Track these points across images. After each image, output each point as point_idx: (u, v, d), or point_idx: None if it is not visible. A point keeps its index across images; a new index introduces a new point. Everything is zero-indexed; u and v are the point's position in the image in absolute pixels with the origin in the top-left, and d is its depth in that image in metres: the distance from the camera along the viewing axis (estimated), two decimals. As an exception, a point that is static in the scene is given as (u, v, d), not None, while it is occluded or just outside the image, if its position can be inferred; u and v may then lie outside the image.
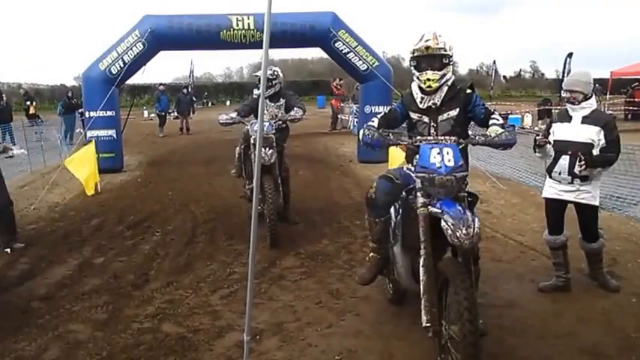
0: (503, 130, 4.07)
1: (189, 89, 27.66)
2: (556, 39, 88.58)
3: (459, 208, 3.76)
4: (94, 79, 13.03)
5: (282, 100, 7.93)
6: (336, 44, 13.31)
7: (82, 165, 10.53)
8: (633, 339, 4.45)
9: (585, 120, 5.13)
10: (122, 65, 12.86)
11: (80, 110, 17.80)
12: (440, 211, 3.77)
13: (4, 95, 22.48)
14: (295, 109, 7.71)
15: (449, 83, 4.44)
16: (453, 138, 4.05)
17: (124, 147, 14.41)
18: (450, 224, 3.63)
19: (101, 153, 12.05)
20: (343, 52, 13.39)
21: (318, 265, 6.49)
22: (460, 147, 4.06)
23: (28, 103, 26.55)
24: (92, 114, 12.87)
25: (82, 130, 16.04)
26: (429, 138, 4.15)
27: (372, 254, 4.80)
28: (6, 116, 19.80)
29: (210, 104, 48.77)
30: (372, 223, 4.66)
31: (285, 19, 12.76)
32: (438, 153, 3.87)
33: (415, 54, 4.39)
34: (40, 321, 5.03)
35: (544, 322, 4.81)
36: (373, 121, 4.70)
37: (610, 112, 22.00)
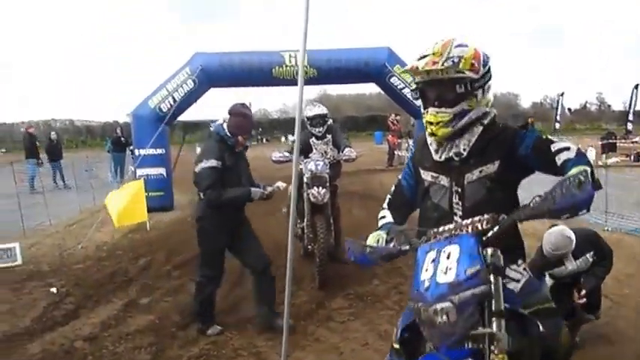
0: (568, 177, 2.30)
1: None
2: (624, 70, 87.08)
3: None
4: (144, 117, 13.47)
5: (329, 136, 8.06)
6: (391, 80, 13.49)
7: (121, 200, 10.69)
8: None
9: None
10: (172, 103, 13.27)
11: (131, 147, 18.35)
12: None
13: (54, 132, 23.40)
14: (349, 149, 7.79)
15: (483, 121, 2.98)
16: (479, 220, 2.56)
17: (175, 185, 14.75)
18: None
19: (150, 191, 12.34)
20: (398, 87, 13.57)
21: (367, 306, 6.52)
22: (488, 237, 2.51)
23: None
24: (142, 152, 13.26)
25: (132, 168, 16.53)
26: (441, 230, 2.66)
27: None
28: (57, 153, 20.57)
29: (264, 140, 49.48)
30: None
31: (340, 55, 13.01)
32: (433, 260, 2.49)
33: (416, 79, 2.97)
34: (82, 362, 5.19)
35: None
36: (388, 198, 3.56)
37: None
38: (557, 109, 37.24)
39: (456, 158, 2.94)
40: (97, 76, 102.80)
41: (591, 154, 22.22)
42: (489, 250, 2.46)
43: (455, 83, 2.84)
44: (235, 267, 8.33)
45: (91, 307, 6.76)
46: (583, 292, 4.86)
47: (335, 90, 59.99)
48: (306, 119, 7.89)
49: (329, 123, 8.10)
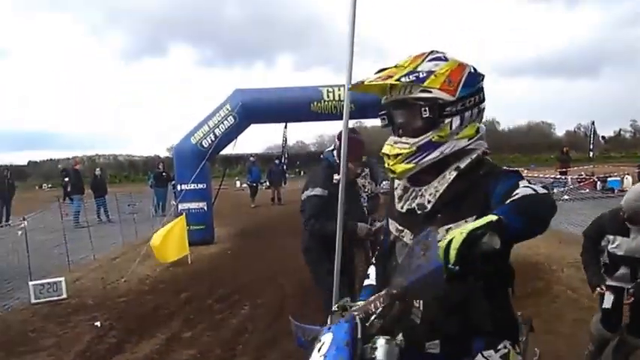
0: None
1: (282, 159, 28.32)
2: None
3: None
4: (186, 153, 13.64)
5: (367, 170, 8.01)
6: (424, 110, 13.37)
7: (165, 236, 10.81)
8: None
9: None
10: (213, 139, 13.43)
11: (173, 182, 18.58)
12: None
13: (99, 168, 23.84)
14: (385, 181, 7.74)
15: (460, 165, 2.26)
16: (377, 297, 1.94)
17: (215, 218, 14.86)
18: None
19: (192, 225, 12.50)
20: (432, 119, 13.42)
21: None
22: (372, 321, 1.93)
23: (67, 179, 26.47)
24: (184, 187, 13.41)
25: (174, 202, 16.73)
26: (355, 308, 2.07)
27: None
28: (101, 189, 20.94)
29: (302, 173, 49.63)
30: None
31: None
32: (318, 350, 1.86)
33: (382, 100, 2.39)
34: (127, 396, 5.21)
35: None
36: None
37: None
38: (590, 137, 36.87)
39: (419, 211, 2.29)
40: (140, 110, 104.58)
41: (628, 182, 21.87)
42: (380, 340, 1.87)
43: (421, 106, 2.18)
44: (275, 299, 8.36)
45: (135, 342, 6.79)
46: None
47: (370, 122, 60.08)
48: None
49: (364, 158, 8.03)
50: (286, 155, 39.80)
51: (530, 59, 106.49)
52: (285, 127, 41.40)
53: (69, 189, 19.99)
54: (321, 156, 5.59)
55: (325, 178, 5.25)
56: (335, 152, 5.28)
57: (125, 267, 10.90)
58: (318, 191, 5.22)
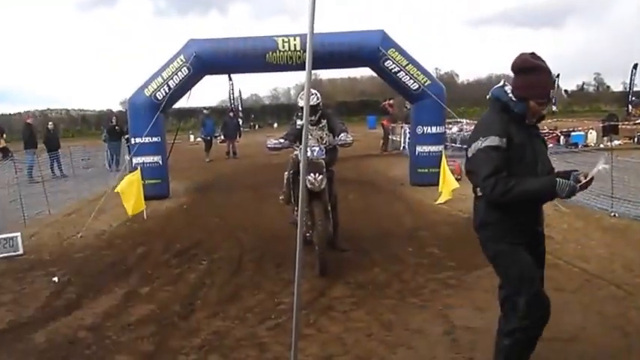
0: None
1: (236, 112, 28.06)
2: (623, 48, 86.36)
3: None
4: (140, 105, 13.37)
5: (324, 121, 7.95)
6: (385, 63, 13.30)
7: (129, 191, 10.72)
8: None
9: None
10: (167, 90, 13.18)
11: (127, 136, 18.29)
12: None
13: (51, 122, 23.29)
14: (344, 133, 7.67)
15: None
16: None
17: (170, 173, 14.69)
18: None
19: (147, 179, 12.36)
20: (393, 71, 13.35)
21: (368, 294, 6.46)
22: None
23: None
24: (138, 140, 13.20)
25: (128, 157, 16.50)
26: None
27: None
28: (54, 143, 20.49)
29: (257, 127, 49.34)
30: None
31: (333, 39, 12.86)
32: None
33: None
34: (86, 351, 5.20)
35: (613, 358, 4.68)
36: None
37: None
38: (553, 90, 37.22)
39: None
40: (91, 64, 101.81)
41: (592, 137, 22.15)
42: None
43: None
44: (233, 254, 8.37)
45: (93, 297, 6.74)
46: None
47: (326, 75, 59.73)
48: (298, 107, 7.81)
49: (321, 109, 7.98)
50: (240, 108, 39.53)
51: (496, 8, 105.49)
52: (230, 79, 41.06)
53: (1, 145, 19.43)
54: (489, 95, 4.06)
55: (501, 123, 3.77)
56: (508, 88, 3.88)
57: (81, 222, 10.75)
58: (494, 141, 3.72)
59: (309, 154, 7.17)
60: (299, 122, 7.73)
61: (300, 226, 3.87)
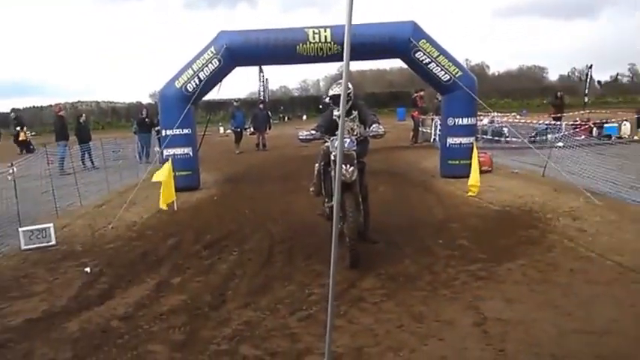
0: None
1: (265, 104, 28.11)
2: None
3: None
4: (171, 97, 13.48)
5: (355, 112, 7.88)
6: (416, 54, 13.22)
7: (167, 181, 10.81)
8: None
9: None
10: (198, 82, 13.27)
11: (157, 128, 18.40)
12: None
13: (83, 114, 23.56)
14: (376, 124, 7.62)
15: None
16: None
17: (200, 165, 14.80)
18: None
19: (178, 171, 12.44)
20: (424, 62, 13.27)
21: (399, 286, 6.43)
22: None
23: (18, 128, 26.22)
24: (168, 132, 13.30)
25: (158, 149, 16.63)
26: None
27: None
28: (85, 135, 20.72)
29: (286, 119, 49.43)
30: None
31: (364, 30, 12.78)
32: None
33: None
34: (119, 341, 5.25)
35: (648, 351, 4.58)
36: None
37: None
38: (587, 81, 36.53)
39: None
40: (120, 57, 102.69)
41: (626, 128, 21.68)
42: None
43: None
44: (263, 246, 8.40)
45: (125, 287, 6.81)
46: None
47: (355, 66, 59.55)
48: (328, 99, 7.79)
49: (352, 99, 7.90)
50: (266, 100, 39.55)
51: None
52: (261, 70, 41.14)
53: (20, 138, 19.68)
54: None
55: None
56: None
57: (112, 213, 10.88)
58: None
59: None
60: (336, 112, 7.71)
61: (336, 219, 3.86)
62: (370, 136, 7.63)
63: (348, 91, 7.74)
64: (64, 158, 17.18)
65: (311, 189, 8.40)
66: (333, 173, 7.34)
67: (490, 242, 7.95)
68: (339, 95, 7.52)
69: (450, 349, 4.80)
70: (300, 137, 7.82)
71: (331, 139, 7.45)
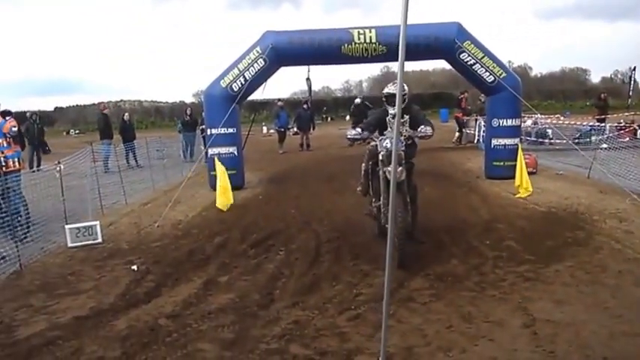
0: None
1: (309, 104, 28.16)
2: None
3: None
4: (216, 97, 13.57)
5: (407, 117, 7.81)
6: (461, 56, 13.13)
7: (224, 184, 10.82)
8: None
9: None
10: (243, 82, 13.33)
11: (201, 127, 18.55)
12: None
13: (127, 113, 23.90)
14: (423, 126, 7.57)
15: None
16: None
17: (245, 164, 14.86)
18: None
19: (222, 170, 12.48)
20: (469, 63, 13.17)
21: (447, 286, 6.40)
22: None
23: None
24: (213, 131, 13.38)
25: (203, 147, 16.76)
26: None
27: None
28: (129, 134, 21.01)
29: (329, 119, 49.46)
30: None
31: (409, 31, 12.49)
32: None
33: None
34: (168, 339, 5.28)
35: None
36: None
37: None
38: (629, 84, 35.92)
39: None
40: (163, 56, 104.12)
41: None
42: None
43: None
44: (310, 245, 8.38)
45: (172, 286, 6.87)
46: None
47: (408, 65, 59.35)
48: (383, 97, 7.76)
49: (407, 100, 7.82)
50: (310, 100, 39.58)
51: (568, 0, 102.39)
52: (309, 70, 41.15)
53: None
54: None
55: None
56: None
57: (157, 212, 11.01)
58: None
59: (388, 145, 7.14)
60: (391, 111, 7.65)
61: (392, 222, 3.82)
62: (418, 137, 7.58)
63: (404, 93, 7.66)
64: (109, 157, 17.45)
65: (358, 188, 8.41)
66: (380, 173, 7.29)
67: (537, 243, 7.90)
68: (393, 94, 7.49)
69: (500, 350, 4.76)
70: (349, 137, 7.83)
71: (379, 138, 7.41)
